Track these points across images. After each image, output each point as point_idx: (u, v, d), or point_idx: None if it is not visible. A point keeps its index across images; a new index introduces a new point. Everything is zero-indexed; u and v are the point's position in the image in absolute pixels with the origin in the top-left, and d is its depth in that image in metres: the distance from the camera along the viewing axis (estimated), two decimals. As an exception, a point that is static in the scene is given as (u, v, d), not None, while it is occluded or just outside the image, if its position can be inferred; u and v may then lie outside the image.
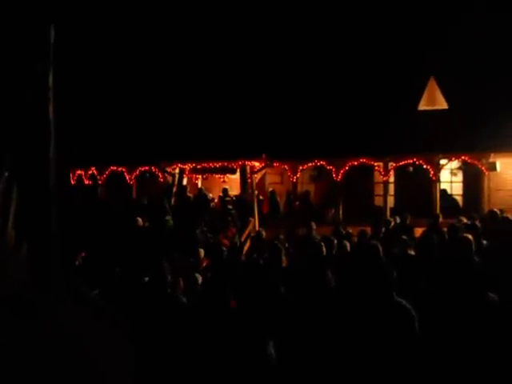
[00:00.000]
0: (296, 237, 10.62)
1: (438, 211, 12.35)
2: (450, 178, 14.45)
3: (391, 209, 13.73)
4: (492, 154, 12.85)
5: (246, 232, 12.90)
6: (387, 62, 14.15)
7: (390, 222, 11.28)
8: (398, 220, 11.34)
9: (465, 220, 9.95)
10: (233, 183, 15.64)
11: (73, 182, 16.14)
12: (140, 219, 11.33)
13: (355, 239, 9.59)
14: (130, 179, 15.63)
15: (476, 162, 12.91)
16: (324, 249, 7.04)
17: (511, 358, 3.85)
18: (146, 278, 5.74)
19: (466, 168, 13.86)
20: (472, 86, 12.91)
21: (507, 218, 9.62)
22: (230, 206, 13.59)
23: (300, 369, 3.88)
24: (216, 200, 14.97)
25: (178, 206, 14.00)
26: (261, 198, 15.14)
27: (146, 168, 15.43)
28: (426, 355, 3.81)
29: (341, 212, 13.90)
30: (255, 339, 3.71)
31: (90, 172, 16.11)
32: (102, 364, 1.31)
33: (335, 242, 7.77)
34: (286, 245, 9.64)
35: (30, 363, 1.19)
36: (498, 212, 10.03)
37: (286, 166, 14.36)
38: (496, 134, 12.11)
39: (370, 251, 5.76)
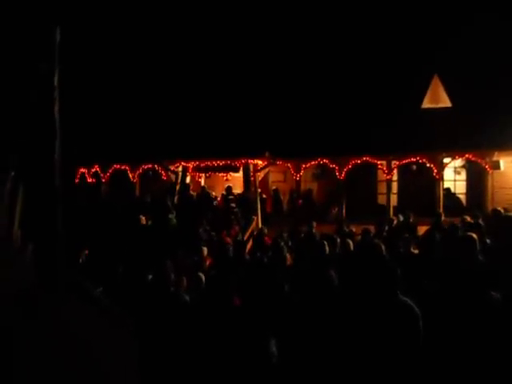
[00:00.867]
0: (299, 235, 10.62)
1: (442, 210, 12.34)
2: (453, 177, 14.44)
3: (394, 207, 13.72)
4: (496, 153, 12.82)
5: (249, 230, 12.90)
6: (391, 60, 14.12)
7: (393, 221, 11.28)
8: (402, 218, 11.33)
9: (469, 219, 9.94)
10: (236, 181, 15.65)
11: (76, 180, 16.17)
12: (143, 217, 11.35)
13: (358, 238, 9.60)
14: (134, 177, 15.65)
15: (480, 161, 12.89)
16: (327, 247, 7.06)
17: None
18: (150, 277, 5.75)
19: (469, 166, 13.84)
20: (475, 85, 12.88)
21: (511, 216, 9.61)
22: (233, 205, 13.59)
23: (303, 367, 3.88)
24: (219, 198, 14.98)
25: (181, 205, 14.01)
26: (264, 196, 15.15)
27: (150, 166, 15.45)
28: (429, 354, 3.81)
29: (344, 210, 13.89)
30: (257, 337, 3.71)
31: (93, 170, 16.14)
32: (106, 362, 1.32)
33: (338, 240, 7.78)
34: (290, 243, 9.65)
35: (35, 362, 1.20)
36: (502, 211, 10.02)
37: (289, 165, 14.36)
38: (500, 132, 12.08)
39: (373, 250, 5.77)
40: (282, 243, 7.93)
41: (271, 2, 15.39)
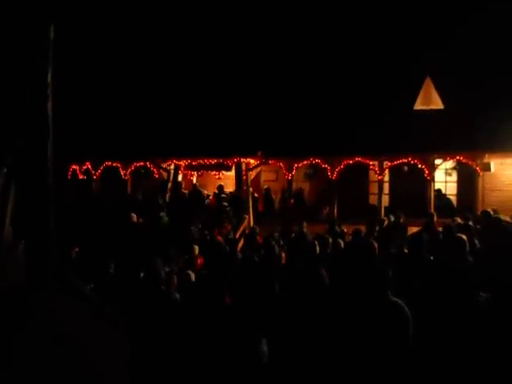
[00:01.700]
0: (290, 235, 10.63)
1: (433, 211, 12.40)
2: (444, 178, 14.51)
3: (386, 208, 13.77)
4: (486, 155, 12.91)
5: (241, 229, 12.91)
6: (383, 61, 14.17)
7: (384, 221, 11.32)
8: (393, 219, 11.37)
9: (459, 220, 10.00)
10: (228, 180, 15.64)
11: (68, 177, 16.09)
12: (134, 215, 11.31)
13: (349, 238, 9.62)
14: (125, 175, 15.61)
15: (470, 163, 12.97)
16: (318, 247, 7.08)
17: (503, 357, 3.88)
18: (141, 275, 5.74)
19: (460, 168, 13.92)
20: (467, 87, 12.95)
21: (500, 218, 9.68)
22: (225, 203, 13.58)
23: (293, 367, 3.89)
24: (211, 197, 14.97)
25: (172, 203, 13.99)
26: (255, 195, 15.15)
27: (141, 164, 15.41)
28: (419, 354, 3.83)
29: (335, 210, 13.93)
30: (247, 336, 3.72)
31: (84, 167, 16.07)
32: (96, 359, 1.32)
33: (330, 240, 7.80)
34: (281, 242, 9.67)
35: (26, 358, 1.20)
36: (492, 212, 10.09)
37: (281, 164, 14.37)
38: (491, 134, 12.16)
39: (366, 249, 5.79)
40: (273, 242, 7.93)
41: (261, 2, 15.36)
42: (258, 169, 15.14)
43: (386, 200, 14.25)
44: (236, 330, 3.80)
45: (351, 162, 13.58)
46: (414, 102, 14.05)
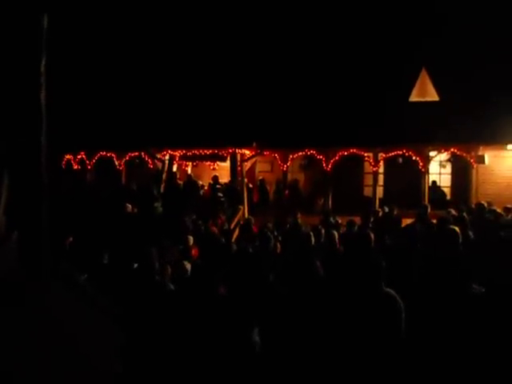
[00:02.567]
0: (284, 225, 10.65)
1: (427, 202, 12.44)
2: (438, 170, 14.56)
3: (380, 199, 13.81)
4: (481, 147, 12.95)
5: (235, 220, 12.92)
6: (379, 52, 14.14)
7: (379, 213, 11.35)
8: (387, 210, 11.40)
9: (453, 212, 10.05)
10: (223, 171, 15.61)
11: (62, 167, 16.01)
12: (129, 205, 11.28)
13: (344, 229, 9.65)
14: (120, 165, 15.54)
15: (465, 155, 13.02)
16: (312, 238, 7.10)
17: (495, 348, 3.92)
18: (135, 265, 5.74)
19: (454, 160, 13.96)
20: (463, 79, 12.96)
21: (494, 210, 9.74)
22: (220, 194, 13.57)
23: (287, 356, 3.92)
24: (206, 187, 14.95)
25: (167, 193, 13.96)
26: (250, 186, 15.14)
27: (136, 154, 15.33)
28: (412, 345, 3.86)
29: (330, 201, 13.95)
30: (240, 326, 3.74)
31: (79, 157, 15.98)
32: (89, 347, 1.32)
33: (323, 231, 7.82)
34: (275, 233, 9.68)
35: (18, 348, 1.20)
36: (486, 204, 10.14)
37: (276, 155, 14.36)
38: (485, 127, 12.20)
39: (363, 240, 5.82)
40: (269, 233, 7.95)
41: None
42: (253, 160, 15.12)
43: (380, 191, 14.29)
44: (229, 319, 3.81)
45: (346, 153, 13.59)
46: (409, 93, 14.04)
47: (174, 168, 15.55)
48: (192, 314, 4.06)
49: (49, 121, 1.37)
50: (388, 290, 3.90)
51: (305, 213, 11.64)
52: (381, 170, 14.28)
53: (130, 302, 4.34)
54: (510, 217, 9.61)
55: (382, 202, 13.29)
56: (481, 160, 13.04)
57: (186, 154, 14.93)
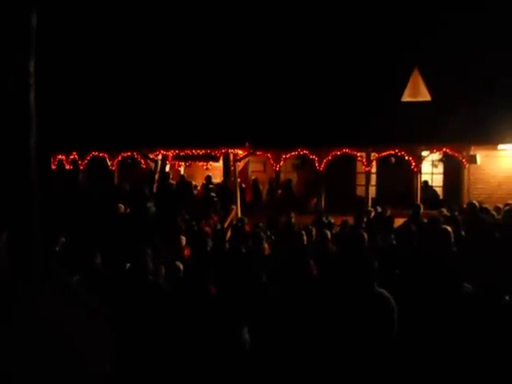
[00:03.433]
0: (277, 225, 10.66)
1: (419, 202, 12.49)
2: (431, 170, 14.62)
3: (373, 199, 13.85)
4: (472, 147, 13.02)
5: (228, 220, 12.91)
6: (372, 52, 14.17)
7: (371, 212, 11.38)
8: (380, 210, 11.43)
9: (445, 211, 10.09)
10: (216, 171, 15.61)
11: (53, 167, 15.94)
12: (121, 205, 11.25)
13: (337, 229, 9.66)
14: (112, 165, 15.49)
15: (457, 155, 13.08)
16: (305, 238, 7.10)
17: (486, 346, 3.94)
18: (128, 265, 5.73)
19: (446, 160, 14.02)
20: (455, 79, 13.02)
21: (487, 209, 9.79)
22: (213, 194, 13.56)
23: (278, 355, 3.92)
24: (199, 187, 14.93)
25: (160, 193, 13.93)
26: (243, 186, 15.14)
27: (129, 154, 15.28)
28: (404, 344, 3.88)
29: (323, 201, 13.98)
30: (230, 325, 3.75)
31: (71, 157, 15.91)
32: (79, 348, 1.32)
33: (313, 231, 7.82)
34: (268, 233, 9.68)
35: (11, 347, 1.20)
36: (477, 204, 10.19)
37: (268, 155, 14.36)
38: (477, 127, 12.26)
39: (356, 240, 5.83)
40: (261, 233, 7.95)
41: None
42: (246, 160, 15.12)
43: (373, 191, 14.33)
44: (220, 318, 3.82)
45: (339, 153, 13.62)
46: (401, 93, 14.09)
47: (167, 168, 15.51)
48: (184, 314, 4.06)
49: (39, 121, 1.36)
50: (381, 290, 3.91)
51: (298, 212, 11.65)
52: (373, 169, 14.32)
53: (123, 303, 4.33)
54: (501, 216, 9.66)
55: (375, 201, 13.33)
56: (472, 160, 13.11)
57: (178, 154, 14.90)
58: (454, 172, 13.77)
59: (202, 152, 14.55)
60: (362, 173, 14.39)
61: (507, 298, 4.23)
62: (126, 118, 14.82)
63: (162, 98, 14.95)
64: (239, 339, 3.58)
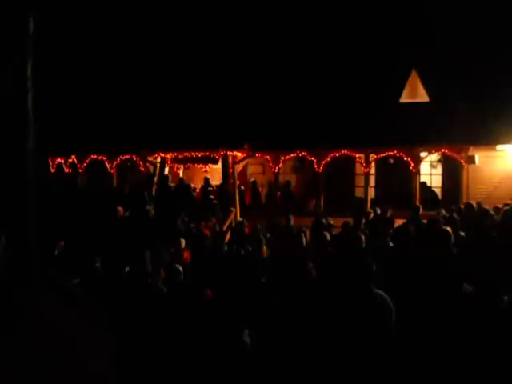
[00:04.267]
0: (277, 227, 10.65)
1: (418, 203, 12.49)
2: (429, 171, 14.63)
3: (372, 200, 13.85)
4: (471, 148, 13.02)
5: (227, 222, 12.90)
6: (369, 54, 14.19)
7: (370, 214, 11.38)
8: (379, 211, 11.43)
9: (444, 212, 10.08)
10: (214, 173, 15.60)
11: (52, 170, 15.94)
12: (121, 208, 11.24)
13: (336, 230, 9.66)
14: (111, 168, 15.49)
15: (455, 155, 13.09)
16: (304, 239, 7.11)
17: (486, 346, 3.94)
18: (127, 268, 5.72)
19: (445, 161, 14.03)
20: (453, 80, 13.05)
21: (486, 209, 9.78)
22: (212, 196, 13.55)
23: (278, 357, 3.92)
24: (197, 190, 14.93)
25: (159, 196, 13.93)
26: (242, 188, 15.14)
27: (127, 157, 15.29)
28: (402, 347, 3.87)
29: (322, 203, 13.98)
30: (230, 327, 3.75)
31: (70, 160, 15.92)
32: (79, 350, 1.32)
33: (314, 232, 7.83)
34: (268, 235, 9.68)
35: (8, 349, 1.20)
36: (475, 205, 10.19)
37: (267, 157, 14.37)
38: (475, 127, 12.27)
39: (353, 242, 5.83)
40: (261, 236, 7.95)
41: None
42: (245, 162, 15.13)
43: (372, 192, 14.34)
44: (220, 320, 3.82)
45: (337, 154, 13.63)
46: (399, 94, 14.11)
47: (166, 171, 15.51)
48: (184, 316, 4.06)
49: (37, 125, 1.36)
50: (378, 291, 3.91)
51: (297, 214, 11.65)
52: (372, 170, 14.32)
53: (123, 306, 4.32)
54: (500, 216, 9.66)
55: (374, 202, 13.33)
56: (471, 160, 13.11)
57: (177, 156, 14.90)
58: (452, 173, 13.77)
59: (200, 154, 14.55)
60: (360, 174, 14.39)
61: (506, 298, 4.23)
62: (125, 120, 14.83)
63: (161, 101, 14.97)
64: (239, 341, 3.58)
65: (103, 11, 15.24)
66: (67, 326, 1.35)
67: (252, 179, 15.98)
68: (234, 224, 12.50)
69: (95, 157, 15.51)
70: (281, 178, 14.96)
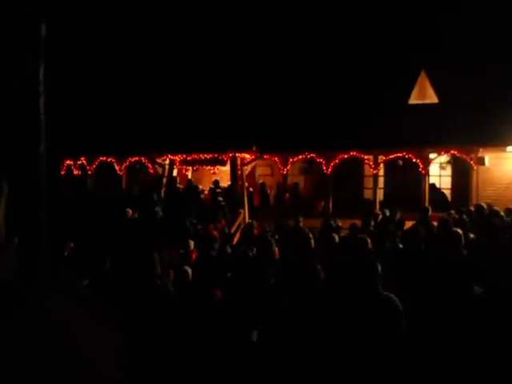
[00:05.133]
0: (285, 229, 10.63)
1: (427, 205, 12.43)
2: (439, 172, 14.56)
3: (381, 202, 13.80)
4: (481, 149, 12.95)
5: (236, 224, 12.91)
6: (378, 55, 14.16)
7: (379, 216, 11.32)
8: (388, 213, 11.38)
9: (453, 214, 10.03)
10: (223, 175, 15.64)
11: (62, 172, 16.04)
12: (130, 210, 11.29)
13: (345, 232, 9.63)
14: (120, 170, 15.56)
15: (465, 157, 13.02)
16: (313, 241, 7.09)
17: (496, 349, 3.91)
18: (136, 270, 5.73)
19: (454, 162, 13.96)
20: (462, 81, 12.98)
21: (496, 211, 9.71)
22: (220, 198, 13.58)
23: (286, 359, 3.92)
24: (206, 192, 14.96)
25: (167, 198, 13.97)
26: (251, 189, 15.16)
27: (136, 159, 15.37)
28: (411, 349, 3.85)
29: (330, 205, 13.95)
30: (238, 328, 3.75)
31: (79, 162, 16.02)
32: (88, 352, 1.33)
33: (323, 234, 7.80)
34: (276, 237, 9.66)
35: (17, 349, 1.21)
36: (485, 206, 10.12)
37: (276, 158, 14.37)
38: (485, 128, 12.20)
39: (359, 245, 5.81)
40: (270, 237, 7.94)
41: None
42: (253, 163, 15.14)
43: (380, 194, 14.29)
44: (228, 322, 3.82)
45: (346, 156, 13.60)
46: (408, 96, 14.06)
47: (175, 173, 15.57)
48: (192, 318, 4.07)
49: (49, 128, 1.37)
50: (387, 293, 3.89)
51: (305, 216, 11.63)
52: (381, 172, 14.28)
53: (131, 307, 4.34)
54: (510, 218, 9.59)
55: (383, 204, 13.28)
56: (481, 162, 13.04)
57: (186, 158, 14.95)
58: (462, 174, 13.70)
59: (209, 156, 14.59)
60: (369, 176, 14.35)
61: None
62: (134, 123, 14.89)
63: (169, 103, 15.02)
64: (247, 343, 3.59)
65: (113, 15, 15.32)
66: (76, 328, 1.36)
67: (260, 181, 16.00)
68: (242, 226, 12.50)
69: (104, 159, 15.60)
70: (289, 180, 14.96)
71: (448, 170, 14.54)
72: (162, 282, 5.19)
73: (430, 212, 10.51)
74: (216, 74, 14.92)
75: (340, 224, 10.90)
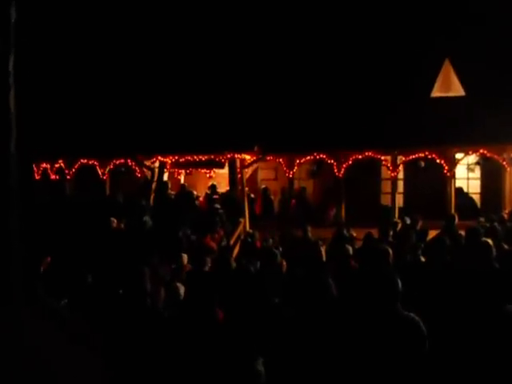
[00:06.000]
0: (291, 240, 10.64)
1: (453, 212, 12.42)
2: (466, 175, 14.56)
3: (400, 209, 13.80)
4: (514, 148, 12.96)
5: (236, 234, 12.91)
6: (397, 43, 14.17)
7: (398, 224, 11.33)
8: (408, 221, 11.39)
9: (483, 222, 10.02)
10: (220, 179, 15.65)
11: (37, 177, 16.05)
12: (114, 219, 11.31)
13: (359, 243, 9.63)
14: (103, 174, 15.58)
15: (496, 157, 13.01)
16: (323, 253, 7.10)
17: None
18: (122, 288, 5.73)
19: (484, 163, 13.96)
20: (491, 71, 12.97)
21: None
22: (218, 205, 13.58)
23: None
24: (201, 198, 14.97)
25: (157, 205, 13.98)
26: (252, 195, 15.16)
27: (121, 161, 15.37)
28: (435, 377, 3.84)
29: (343, 212, 13.95)
30: (242, 356, 3.74)
31: (57, 165, 16.03)
32: (61, 377, 1.33)
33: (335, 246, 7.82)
34: (280, 249, 9.67)
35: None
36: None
37: (280, 160, 14.38)
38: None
39: (380, 257, 5.80)
40: (274, 250, 7.94)
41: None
42: (255, 166, 15.16)
43: (400, 200, 14.29)
44: (229, 348, 3.81)
45: (360, 157, 13.61)
46: (431, 88, 14.07)
47: (165, 177, 15.57)
48: (189, 343, 4.06)
49: (20, 126, 1.37)
50: (408, 313, 3.88)
51: (314, 225, 11.63)
52: (400, 175, 14.28)
53: (117, 329, 4.33)
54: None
55: (402, 211, 13.28)
56: (514, 162, 13.05)
57: (178, 160, 14.95)
58: (492, 176, 13.70)
59: (204, 158, 14.59)
60: (387, 179, 14.36)
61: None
62: (118, 120, 14.89)
63: (159, 98, 15.02)
64: (253, 372, 3.57)
65: (97, 9, 15.38)
66: (49, 352, 1.37)
67: (263, 186, 16.01)
68: (243, 237, 12.50)
69: (85, 161, 15.61)
70: (296, 184, 14.97)
71: (477, 172, 14.54)
72: (151, 302, 5.18)
73: (456, 220, 10.50)
74: (214, 68, 14.93)
75: (354, 234, 10.91)
